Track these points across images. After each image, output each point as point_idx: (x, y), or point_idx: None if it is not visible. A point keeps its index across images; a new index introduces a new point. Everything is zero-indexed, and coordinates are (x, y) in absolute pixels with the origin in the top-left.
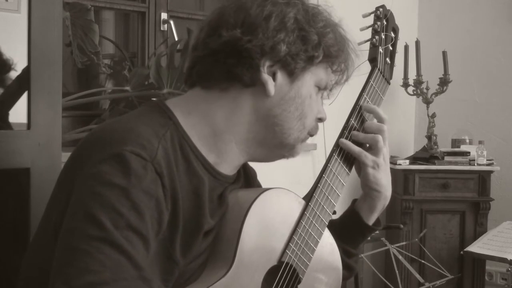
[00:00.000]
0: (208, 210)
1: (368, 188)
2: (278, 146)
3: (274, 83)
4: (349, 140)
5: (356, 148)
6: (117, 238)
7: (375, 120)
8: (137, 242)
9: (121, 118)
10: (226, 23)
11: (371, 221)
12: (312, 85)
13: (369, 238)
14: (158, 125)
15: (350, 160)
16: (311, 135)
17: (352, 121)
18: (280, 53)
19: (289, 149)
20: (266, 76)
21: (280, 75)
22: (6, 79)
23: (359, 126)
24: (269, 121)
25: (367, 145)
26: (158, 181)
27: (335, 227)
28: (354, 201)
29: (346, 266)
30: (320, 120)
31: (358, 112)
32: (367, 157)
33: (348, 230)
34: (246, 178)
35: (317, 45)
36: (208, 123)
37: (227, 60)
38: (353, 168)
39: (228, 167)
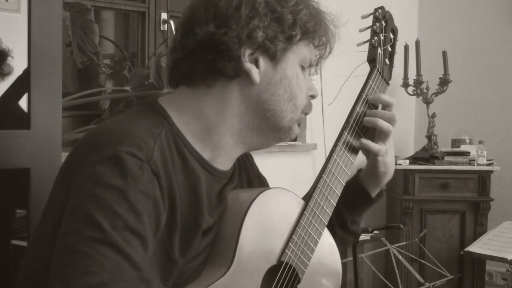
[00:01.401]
0: (206, 208)
1: (376, 171)
2: (274, 131)
3: (257, 70)
4: (351, 135)
5: (375, 146)
6: (115, 239)
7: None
8: (135, 242)
9: (115, 119)
10: (198, 20)
11: (375, 193)
12: (296, 64)
13: (369, 238)
14: (153, 125)
15: (350, 160)
16: (306, 114)
17: (352, 122)
18: (257, 39)
19: (285, 131)
20: (248, 65)
21: (262, 61)
22: (4, 67)
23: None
24: (259, 107)
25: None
26: (155, 181)
27: (340, 200)
28: (359, 171)
29: (351, 232)
30: (312, 97)
31: (363, 102)
32: (381, 150)
33: (353, 202)
34: (240, 168)
35: (292, 24)
36: (200, 120)
37: (207, 56)
38: (353, 168)
39: (224, 162)
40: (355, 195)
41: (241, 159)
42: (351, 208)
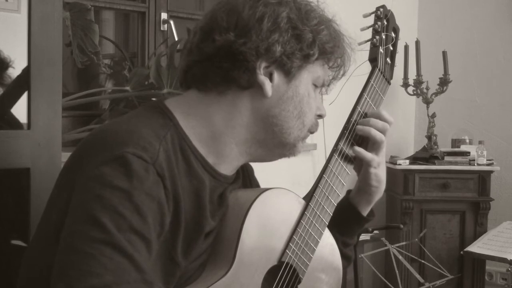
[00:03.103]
0: (209, 211)
1: (368, 185)
2: (279, 146)
3: (271, 83)
4: (351, 137)
5: (368, 155)
6: (119, 240)
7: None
8: (139, 244)
9: (122, 119)
10: (218, 27)
11: (366, 212)
12: (309, 83)
13: (369, 238)
14: (159, 126)
15: (350, 160)
16: (312, 133)
17: (353, 121)
18: (275, 54)
19: (289, 148)
20: (262, 78)
21: (276, 76)
22: (4, 77)
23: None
24: (268, 121)
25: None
26: (160, 183)
27: (331, 220)
28: (349, 192)
29: (344, 256)
30: (320, 116)
31: (359, 114)
32: (374, 160)
33: (344, 222)
34: (245, 177)
35: (312, 43)
36: (207, 125)
37: (223, 64)
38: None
39: (228, 168)
40: (345, 214)
41: (244, 167)
42: (341, 228)
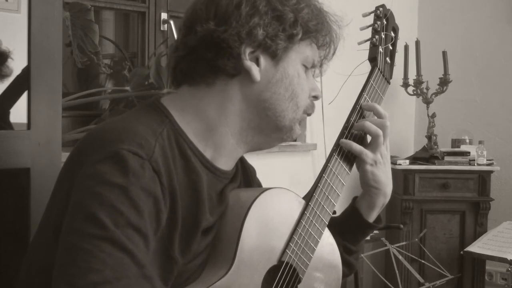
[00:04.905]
0: (207, 206)
1: (367, 186)
2: (275, 130)
3: (258, 68)
4: (350, 137)
5: (357, 147)
6: (118, 236)
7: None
8: (138, 239)
9: (118, 118)
10: (199, 18)
11: (371, 218)
12: (298, 64)
13: (369, 238)
14: (155, 123)
15: (350, 159)
16: (308, 114)
17: (352, 121)
18: (258, 37)
19: (286, 131)
20: (248, 63)
21: (263, 59)
22: (4, 69)
23: None
24: (260, 106)
25: (368, 141)
26: (156, 179)
27: (335, 225)
28: (355, 199)
29: (346, 264)
30: (315, 97)
31: (358, 112)
32: (367, 155)
33: (348, 227)
34: (245, 175)
35: (294, 22)
36: (202, 119)
37: (207, 54)
38: (353, 167)
39: (226, 162)
40: (348, 217)
41: (247, 169)
42: (346, 234)
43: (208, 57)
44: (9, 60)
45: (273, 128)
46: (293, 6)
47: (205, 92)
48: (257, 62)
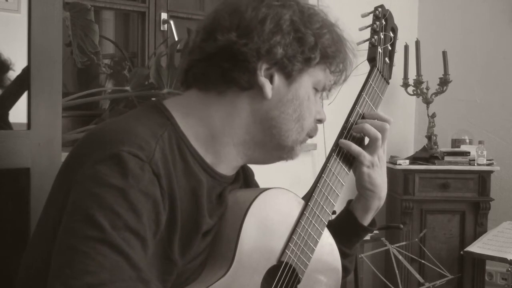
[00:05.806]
0: (207, 210)
1: (362, 188)
2: (277, 148)
3: (271, 85)
4: (349, 138)
5: (356, 148)
6: (115, 239)
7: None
8: (135, 243)
9: (119, 118)
10: (221, 27)
11: (366, 221)
12: (310, 87)
13: (368, 238)
14: (156, 126)
15: (349, 160)
16: (311, 137)
17: (352, 121)
18: (276, 56)
19: (287, 151)
20: (263, 79)
21: (277, 78)
22: (4, 79)
23: None
24: (267, 123)
25: (365, 143)
26: (155, 182)
27: (331, 228)
28: (349, 202)
29: (341, 267)
30: (320, 121)
31: (357, 112)
32: (365, 157)
33: (343, 230)
34: (245, 178)
35: (313, 46)
36: (206, 125)
37: (224, 64)
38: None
39: (226, 168)
40: (342, 220)
41: (245, 170)
42: (340, 237)
43: (224, 67)
44: (10, 72)
45: (275, 146)
46: (316, 30)
47: (215, 100)
48: (271, 79)
